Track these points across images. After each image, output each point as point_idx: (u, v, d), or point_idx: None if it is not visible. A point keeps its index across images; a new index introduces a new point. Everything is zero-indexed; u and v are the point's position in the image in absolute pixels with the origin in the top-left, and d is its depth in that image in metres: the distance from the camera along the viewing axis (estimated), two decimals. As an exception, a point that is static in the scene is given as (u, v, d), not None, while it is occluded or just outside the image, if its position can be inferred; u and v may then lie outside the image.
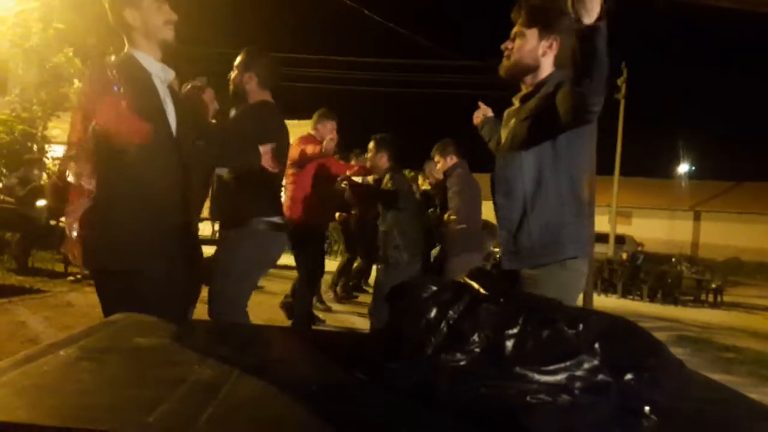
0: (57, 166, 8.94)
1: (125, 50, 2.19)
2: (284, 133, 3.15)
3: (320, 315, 6.32)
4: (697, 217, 32.75)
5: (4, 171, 8.75)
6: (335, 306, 7.21)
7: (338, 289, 7.71)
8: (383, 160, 4.68)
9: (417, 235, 4.58)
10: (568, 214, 2.10)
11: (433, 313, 1.09)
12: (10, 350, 3.25)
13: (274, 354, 1.36)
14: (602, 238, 20.98)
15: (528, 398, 0.96)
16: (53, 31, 9.55)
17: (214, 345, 1.34)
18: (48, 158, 9.92)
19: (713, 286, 12.83)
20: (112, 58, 2.17)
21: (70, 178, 2.07)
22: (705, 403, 1.12)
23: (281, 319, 5.90)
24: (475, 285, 1.17)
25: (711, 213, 32.27)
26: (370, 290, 8.75)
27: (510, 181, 2.17)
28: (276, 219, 3.03)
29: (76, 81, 11.18)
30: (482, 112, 2.88)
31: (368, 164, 4.82)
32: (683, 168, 35.36)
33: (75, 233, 2.10)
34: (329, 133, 5.03)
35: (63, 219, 7.83)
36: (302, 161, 4.74)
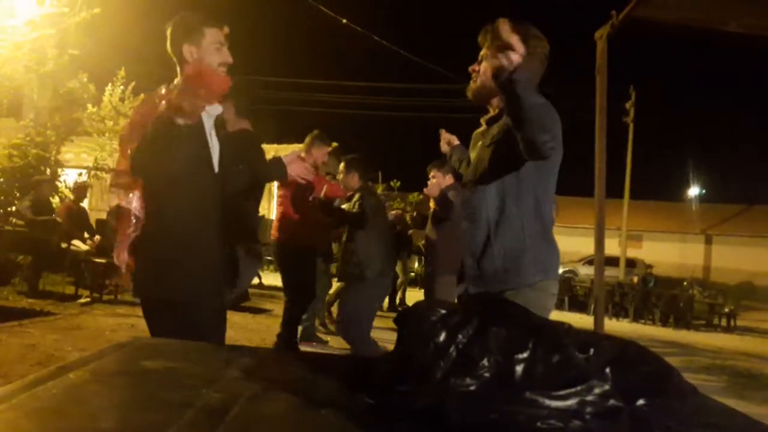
0: (73, 192, 9.02)
1: (176, 82, 2.23)
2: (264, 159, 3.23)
3: (323, 337, 6.28)
4: (708, 241, 32.48)
5: (17, 194, 8.84)
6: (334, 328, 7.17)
7: (333, 309, 7.66)
8: (354, 180, 4.77)
9: (381, 253, 4.59)
10: (531, 240, 2.11)
11: (442, 336, 1.09)
12: (20, 373, 3.25)
13: (282, 377, 1.36)
14: (613, 261, 20.84)
15: (538, 424, 0.95)
16: (68, 57, 9.72)
17: (223, 368, 1.33)
18: (61, 182, 10.02)
19: (726, 310, 12.69)
20: (163, 90, 2.21)
21: (123, 204, 2.11)
22: (718, 429, 1.10)
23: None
24: (484, 309, 1.17)
25: (722, 236, 32.00)
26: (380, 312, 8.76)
27: (474, 207, 2.20)
28: (251, 244, 3.08)
29: (89, 106, 11.33)
30: (446, 141, 2.90)
31: (341, 185, 4.89)
32: (694, 191, 35.21)
33: (124, 264, 2.16)
34: (323, 158, 5.12)
35: (75, 242, 7.87)
36: (285, 185, 4.81)
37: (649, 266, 19.69)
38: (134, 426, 0.93)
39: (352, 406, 1.11)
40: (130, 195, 2.12)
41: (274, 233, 5.07)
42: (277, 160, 2.55)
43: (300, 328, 5.92)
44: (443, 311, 1.14)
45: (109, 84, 12.14)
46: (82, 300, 7.18)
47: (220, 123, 2.35)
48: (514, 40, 1.66)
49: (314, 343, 5.92)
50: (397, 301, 10.00)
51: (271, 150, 21.87)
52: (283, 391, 1.20)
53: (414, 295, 9.92)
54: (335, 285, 7.49)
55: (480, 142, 2.28)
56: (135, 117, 2.19)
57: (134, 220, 2.11)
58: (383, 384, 1.12)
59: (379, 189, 21.57)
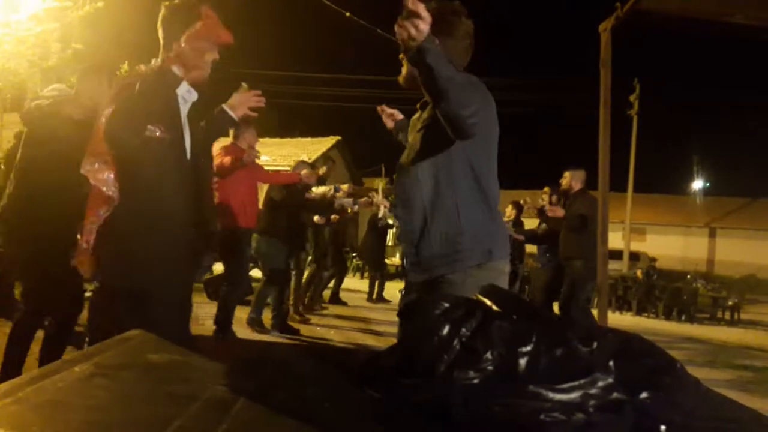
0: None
1: (153, 62, 2.24)
2: None
3: (295, 325, 6.30)
4: (712, 234, 32.38)
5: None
6: (312, 317, 7.20)
7: (306, 300, 7.66)
8: None
9: None
10: (468, 220, 2.08)
11: (446, 330, 1.09)
12: (26, 366, 3.27)
13: (287, 371, 1.36)
14: (616, 254, 20.81)
15: (542, 416, 0.95)
16: (71, 51, 9.71)
17: (227, 362, 1.34)
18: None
19: (730, 303, 12.65)
20: (143, 67, 2.21)
21: (94, 183, 2.09)
22: (722, 422, 1.10)
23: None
24: (488, 302, 1.17)
25: (726, 230, 31.89)
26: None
27: (408, 192, 2.16)
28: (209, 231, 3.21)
29: (92, 100, 11.31)
30: (391, 118, 2.80)
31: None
32: (698, 184, 35.09)
33: (88, 245, 2.12)
34: (254, 139, 5.18)
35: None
36: (224, 172, 4.86)
37: (653, 260, 19.64)
38: (140, 419, 0.93)
39: (356, 400, 1.11)
40: (105, 174, 2.09)
41: None
42: (221, 112, 2.51)
43: (271, 317, 6.01)
44: (447, 304, 1.14)
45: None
46: (88, 293, 7.19)
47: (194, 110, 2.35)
48: (419, 7, 1.63)
49: (284, 333, 5.94)
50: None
51: (273, 144, 21.91)
52: (287, 384, 1.21)
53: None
54: (306, 273, 7.49)
55: (415, 128, 2.26)
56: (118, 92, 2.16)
57: (109, 200, 2.08)
58: (387, 377, 1.12)
59: (383, 183, 21.51)
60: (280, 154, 19.24)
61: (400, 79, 2.25)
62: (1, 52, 8.05)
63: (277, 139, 22.71)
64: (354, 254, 15.05)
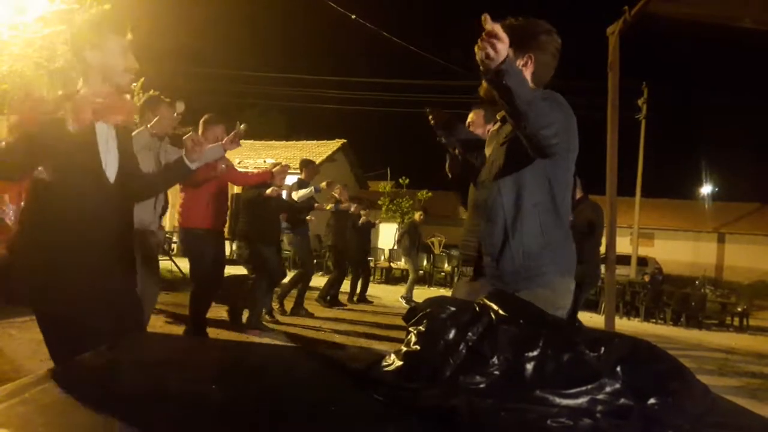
0: None
1: (77, 88, 2.14)
2: None
3: (270, 326, 6.28)
4: (721, 239, 32.19)
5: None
6: (296, 320, 7.18)
7: (285, 302, 7.62)
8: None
9: None
10: (549, 237, 2.08)
11: (452, 334, 1.09)
12: (31, 369, 3.28)
13: (292, 374, 1.36)
14: (624, 260, 20.74)
15: (549, 422, 0.94)
16: (79, 54, 9.77)
17: (235, 364, 1.34)
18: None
19: (738, 309, 12.56)
20: (60, 93, 2.12)
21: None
22: (730, 429, 1.09)
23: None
24: (495, 306, 1.16)
25: (735, 235, 31.71)
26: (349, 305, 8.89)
27: (490, 207, 2.16)
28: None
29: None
30: (440, 119, 2.65)
31: None
32: (706, 189, 34.89)
33: None
34: (223, 135, 5.10)
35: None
36: (194, 184, 4.83)
37: (657, 265, 19.61)
38: (146, 420, 0.93)
39: (361, 403, 1.11)
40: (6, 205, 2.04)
41: (178, 218, 5.12)
42: (180, 161, 2.34)
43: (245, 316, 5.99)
44: (453, 309, 1.14)
45: (120, 80, 12.15)
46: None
47: (124, 134, 2.24)
48: (497, 29, 1.63)
49: (259, 332, 5.92)
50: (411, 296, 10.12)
51: (280, 146, 21.97)
52: (293, 387, 1.20)
53: (422, 293, 9.93)
54: (289, 275, 7.46)
55: (495, 141, 2.26)
56: (22, 115, 2.08)
57: (7, 229, 2.03)
58: (393, 381, 1.12)
59: (388, 186, 21.55)
60: (286, 157, 19.28)
61: (481, 91, 2.26)
62: (8, 54, 8.08)
63: (284, 142, 22.79)
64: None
